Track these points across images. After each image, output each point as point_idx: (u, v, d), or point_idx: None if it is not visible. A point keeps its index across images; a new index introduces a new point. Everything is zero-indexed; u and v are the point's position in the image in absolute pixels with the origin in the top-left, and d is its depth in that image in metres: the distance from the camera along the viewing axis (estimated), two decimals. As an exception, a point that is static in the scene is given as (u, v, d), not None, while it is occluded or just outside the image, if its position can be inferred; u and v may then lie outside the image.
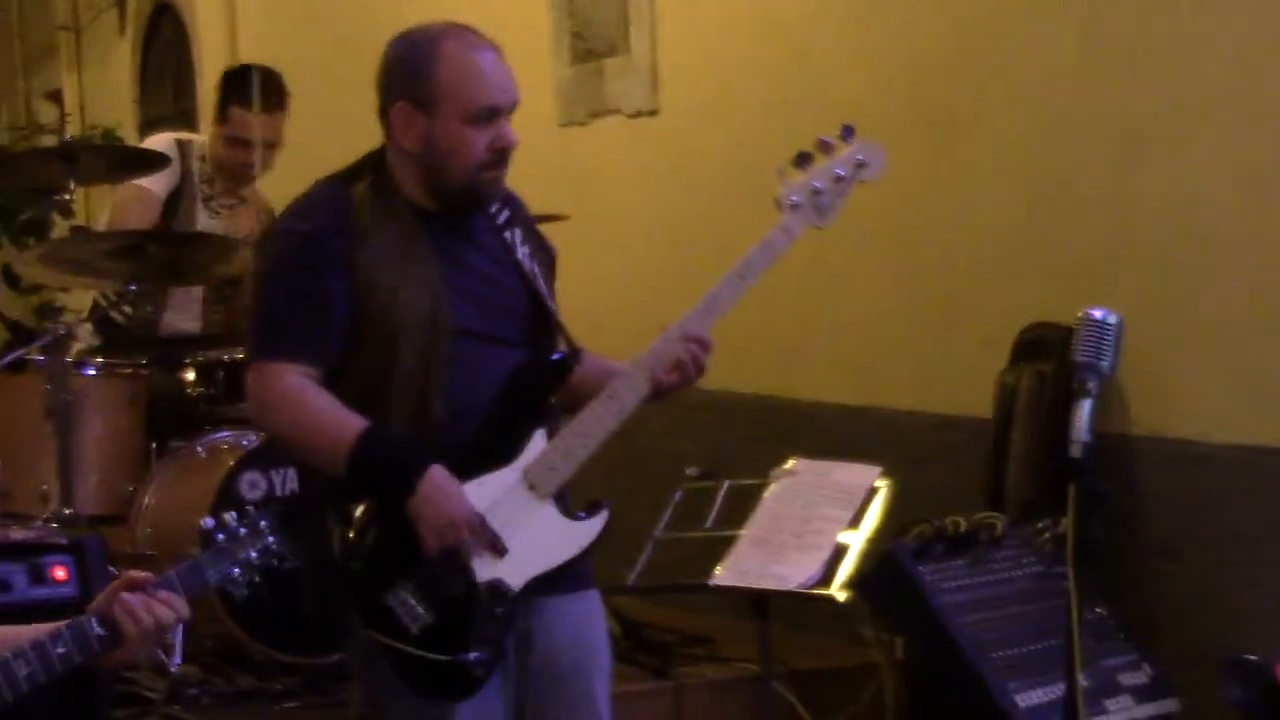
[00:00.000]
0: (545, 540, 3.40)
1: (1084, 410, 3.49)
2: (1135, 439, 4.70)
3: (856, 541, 4.40)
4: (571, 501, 3.46)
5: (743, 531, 4.50)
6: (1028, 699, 4.30)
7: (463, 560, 3.31)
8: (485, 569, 3.34)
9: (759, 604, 4.51)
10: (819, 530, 4.45)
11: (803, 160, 3.52)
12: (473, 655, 3.32)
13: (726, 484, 4.67)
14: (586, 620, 3.53)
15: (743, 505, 4.56)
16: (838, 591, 4.33)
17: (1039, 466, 4.76)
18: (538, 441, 3.41)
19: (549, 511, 3.41)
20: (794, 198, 3.48)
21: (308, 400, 3.35)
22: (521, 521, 3.37)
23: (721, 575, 4.44)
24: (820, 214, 3.51)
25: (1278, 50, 4.41)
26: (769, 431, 5.77)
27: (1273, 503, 4.46)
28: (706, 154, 6.24)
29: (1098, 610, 4.47)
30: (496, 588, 3.35)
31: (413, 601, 3.31)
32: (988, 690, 4.32)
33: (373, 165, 3.48)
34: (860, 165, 3.53)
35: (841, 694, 4.99)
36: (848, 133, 3.55)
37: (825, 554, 4.39)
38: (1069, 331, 4.27)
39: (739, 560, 4.46)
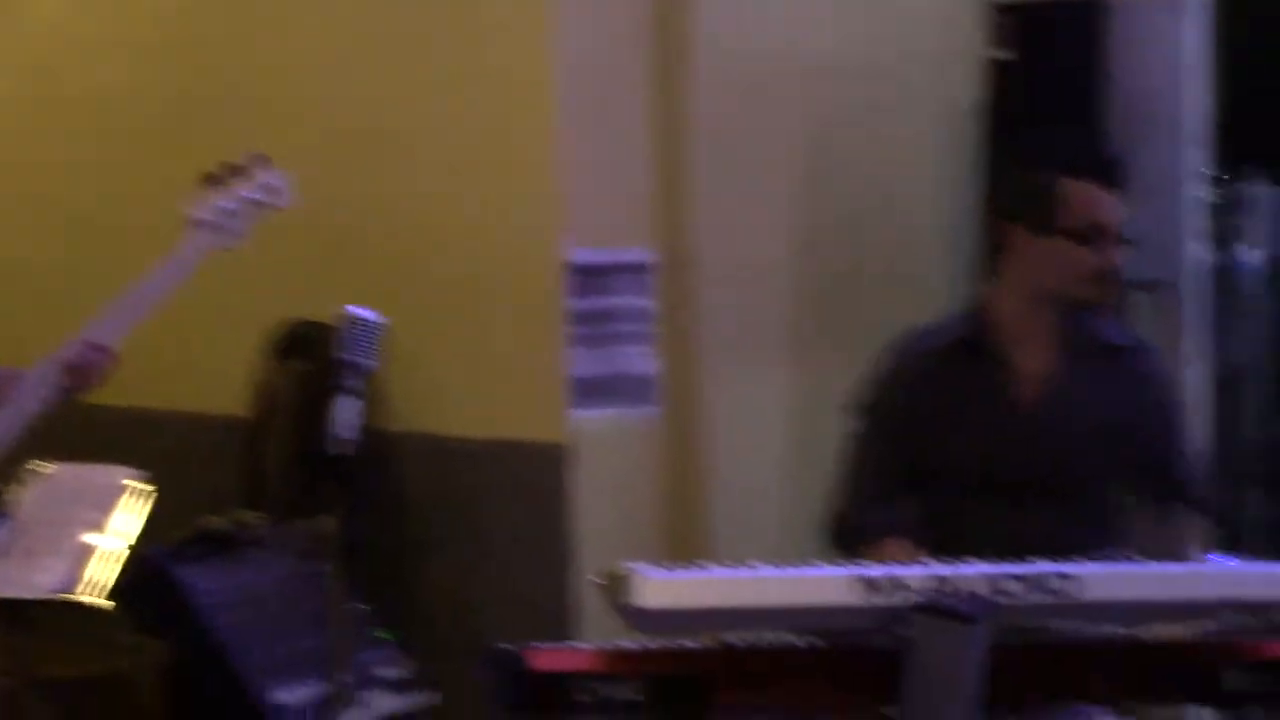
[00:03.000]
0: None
1: (346, 408, 3.51)
2: (398, 435, 4.77)
3: (111, 544, 4.30)
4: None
5: (-10, 539, 4.34)
6: (287, 696, 4.29)
7: None
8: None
9: (9, 612, 4.35)
10: (71, 535, 4.33)
11: (213, 181, 3.48)
12: None
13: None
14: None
15: (-6, 511, 4.39)
16: (91, 597, 4.22)
17: (302, 465, 4.75)
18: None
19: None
20: (204, 216, 3.44)
21: None
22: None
23: (-31, 584, 4.27)
24: (228, 235, 3.47)
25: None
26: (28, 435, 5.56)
27: (520, 495, 4.61)
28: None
29: (357, 606, 4.49)
30: None
31: None
32: (247, 689, 4.29)
33: None
34: (270, 190, 3.51)
35: (100, 702, 4.85)
36: (258, 160, 3.51)
37: (76, 558, 4.28)
38: (329, 329, 4.29)
39: (-12, 568, 4.30)
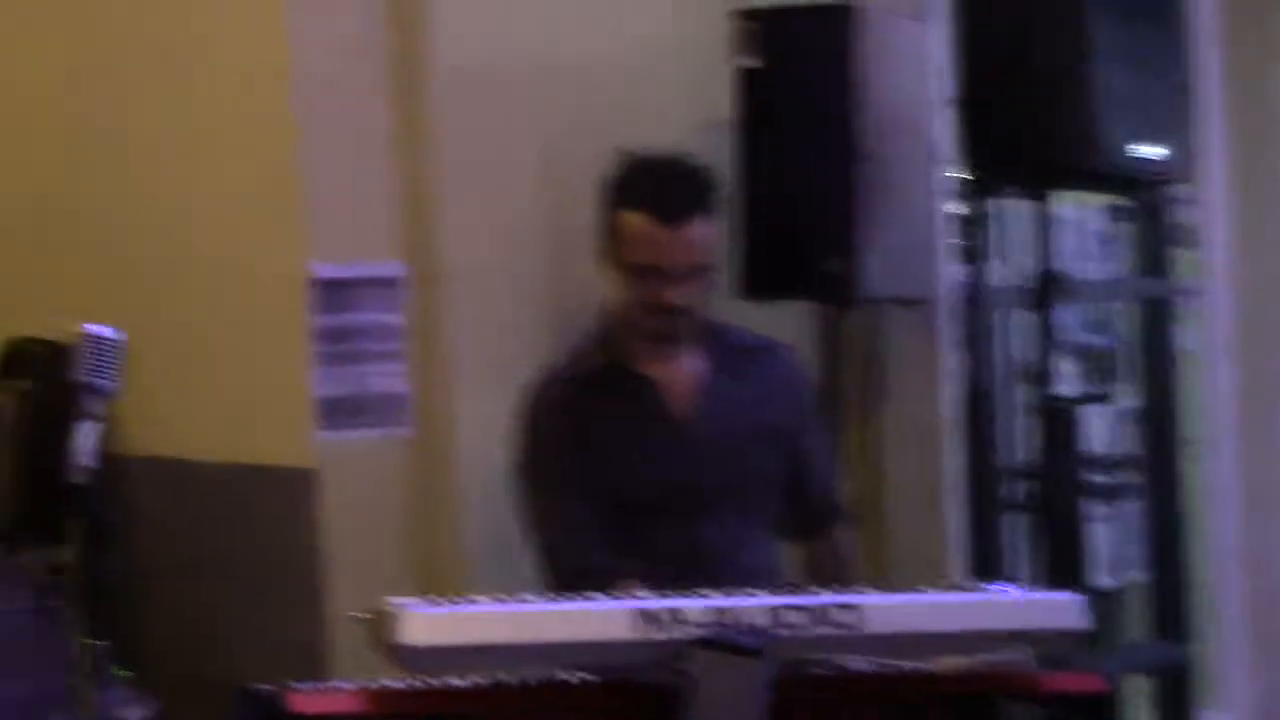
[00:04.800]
0: None
1: (86, 433, 3.27)
2: (133, 460, 4.52)
3: None
4: None
5: None
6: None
7: None
8: None
9: None
10: None
11: None
12: None
13: None
14: None
15: None
16: None
17: (27, 492, 4.48)
18: None
19: None
20: None
21: None
22: None
23: None
24: None
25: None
26: None
27: (266, 522, 4.42)
28: None
29: (93, 642, 4.24)
30: None
31: None
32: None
33: None
34: None
35: None
36: None
37: None
38: (55, 348, 4.05)
39: None
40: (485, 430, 4.53)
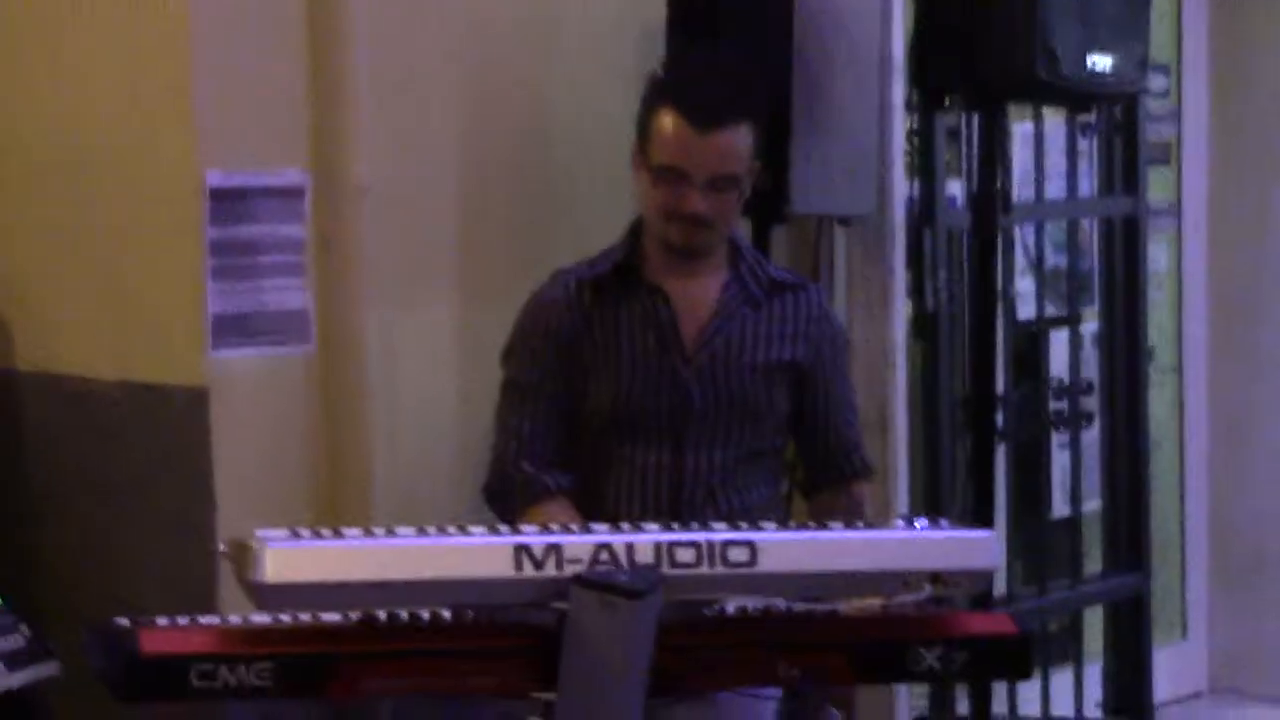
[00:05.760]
0: None
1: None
2: (20, 375, 4.33)
3: None
4: None
5: None
6: None
7: None
8: None
9: None
10: None
11: None
12: None
13: None
14: None
15: None
16: None
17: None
18: None
19: None
20: None
21: None
22: None
23: None
24: None
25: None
26: None
27: (154, 444, 4.18)
28: None
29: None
30: None
31: None
32: None
33: None
34: None
35: None
36: None
37: None
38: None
39: None
40: (394, 350, 4.33)
